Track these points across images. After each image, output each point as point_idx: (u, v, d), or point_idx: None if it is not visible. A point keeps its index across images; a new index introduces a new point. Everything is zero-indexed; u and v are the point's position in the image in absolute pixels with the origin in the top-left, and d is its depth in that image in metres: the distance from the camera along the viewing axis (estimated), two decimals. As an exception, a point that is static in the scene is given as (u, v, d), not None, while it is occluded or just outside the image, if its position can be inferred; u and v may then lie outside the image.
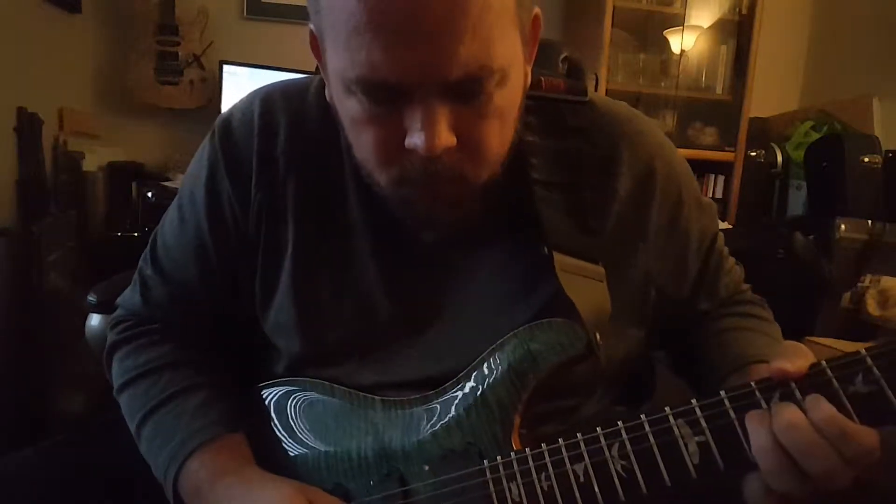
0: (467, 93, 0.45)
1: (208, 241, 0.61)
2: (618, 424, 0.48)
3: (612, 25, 2.25)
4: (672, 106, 2.42)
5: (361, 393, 0.58)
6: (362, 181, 0.53)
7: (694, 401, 0.46)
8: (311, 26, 0.50)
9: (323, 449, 0.57)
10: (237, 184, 0.59)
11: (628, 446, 0.47)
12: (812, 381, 0.43)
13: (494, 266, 0.58)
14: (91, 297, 0.90)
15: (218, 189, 0.60)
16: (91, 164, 2.05)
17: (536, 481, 0.49)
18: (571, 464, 0.48)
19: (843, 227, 1.81)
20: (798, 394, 0.43)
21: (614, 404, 0.65)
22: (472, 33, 0.42)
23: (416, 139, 0.45)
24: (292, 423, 0.59)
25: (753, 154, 2.41)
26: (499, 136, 0.49)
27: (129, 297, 0.66)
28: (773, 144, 2.42)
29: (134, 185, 2.07)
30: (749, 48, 2.35)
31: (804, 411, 0.42)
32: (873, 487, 0.46)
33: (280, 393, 0.61)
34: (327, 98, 0.53)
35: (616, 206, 0.59)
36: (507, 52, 0.46)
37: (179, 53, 2.18)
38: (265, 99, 0.60)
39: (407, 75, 0.43)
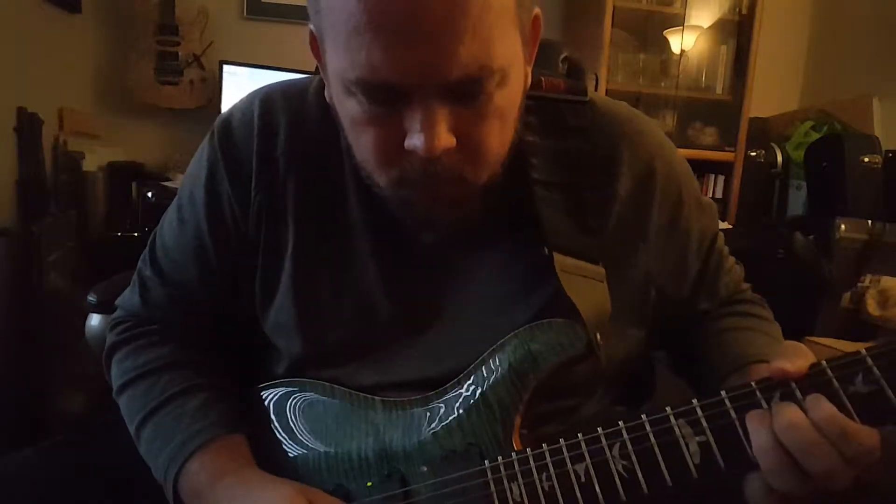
0: (467, 93, 0.45)
1: (208, 242, 0.60)
2: (619, 424, 0.48)
3: (612, 25, 2.25)
4: (672, 106, 2.42)
5: (361, 393, 0.58)
6: (362, 181, 0.53)
7: (695, 401, 0.46)
8: (311, 26, 0.50)
9: (323, 450, 0.56)
10: (237, 184, 0.59)
11: (629, 446, 0.47)
12: (812, 380, 0.43)
13: (494, 266, 0.58)
14: (91, 297, 0.90)
15: (217, 190, 0.60)
16: (91, 164, 2.06)
17: (537, 481, 0.49)
18: (572, 464, 0.48)
19: (843, 227, 1.81)
20: (798, 393, 0.43)
21: (615, 404, 0.65)
22: (471, 34, 0.42)
23: (415, 140, 0.45)
24: (292, 424, 0.59)
25: (753, 154, 2.41)
26: (499, 136, 0.49)
27: (129, 298, 0.66)
28: (773, 144, 2.42)
29: (134, 185, 2.07)
30: (749, 48, 2.35)
31: (805, 411, 0.42)
32: (874, 487, 0.46)
33: (280, 394, 0.61)
34: (327, 98, 0.53)
35: (616, 207, 0.59)
36: (507, 53, 0.46)
37: (179, 53, 2.18)
38: (265, 99, 0.60)
39: (407, 76, 0.43)
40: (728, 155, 2.40)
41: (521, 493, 0.49)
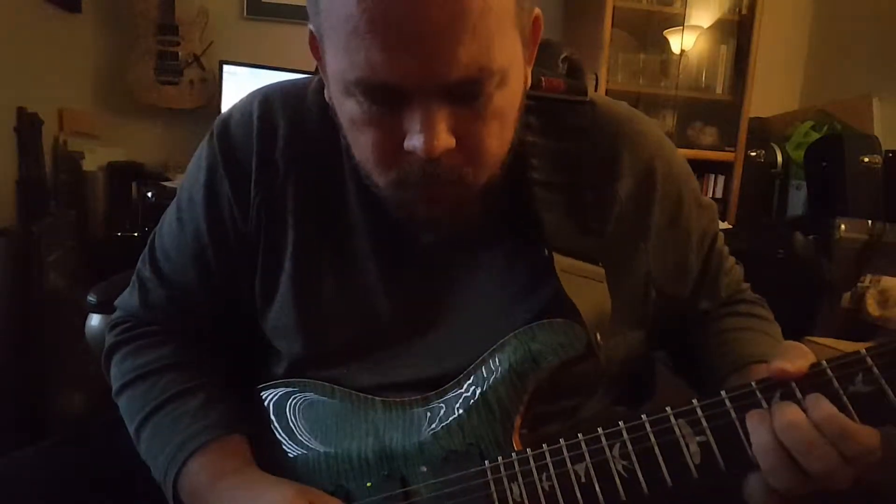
0: (467, 94, 0.45)
1: (207, 243, 0.60)
2: (619, 424, 0.48)
3: (612, 25, 2.25)
4: (672, 106, 2.41)
5: (361, 394, 0.58)
6: (362, 182, 0.53)
7: (695, 401, 0.46)
8: (311, 27, 0.50)
9: (323, 450, 0.56)
10: (236, 185, 0.59)
11: (629, 446, 0.47)
12: (812, 380, 0.43)
13: (495, 267, 0.58)
14: (91, 297, 0.90)
15: (217, 190, 0.59)
16: (91, 164, 2.06)
17: (538, 481, 0.49)
18: (572, 464, 0.48)
19: (843, 227, 1.81)
20: (798, 393, 0.43)
21: (615, 404, 0.65)
22: (471, 35, 0.42)
23: (415, 141, 0.45)
24: (292, 425, 0.59)
25: (753, 154, 2.41)
26: (498, 137, 0.49)
27: (128, 299, 0.66)
28: (773, 144, 2.42)
29: (134, 185, 2.07)
30: (749, 48, 2.35)
31: (804, 410, 0.42)
32: (874, 487, 0.46)
33: (280, 394, 0.61)
34: (326, 99, 0.53)
35: (616, 207, 0.59)
36: (506, 54, 0.46)
37: (179, 53, 2.18)
38: (264, 100, 0.60)
39: (406, 77, 0.43)
40: (728, 155, 2.40)
41: (521, 494, 0.49)
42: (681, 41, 2.38)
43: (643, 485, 0.46)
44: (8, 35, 1.75)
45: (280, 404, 0.60)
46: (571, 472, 0.48)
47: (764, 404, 0.44)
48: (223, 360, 0.65)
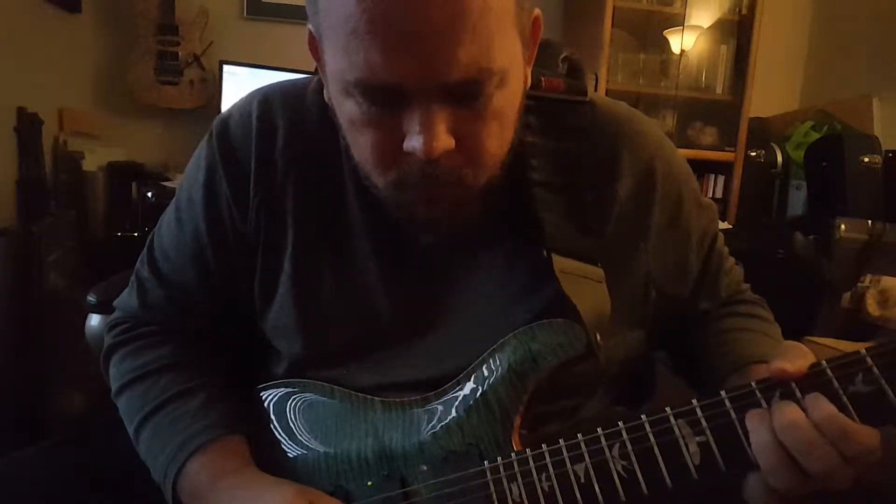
0: (466, 95, 0.45)
1: (206, 243, 0.60)
2: (618, 425, 0.48)
3: (612, 25, 2.25)
4: (672, 106, 2.41)
5: (361, 394, 0.58)
6: (361, 182, 0.53)
7: (694, 401, 0.46)
8: (310, 27, 0.50)
9: (323, 450, 0.56)
10: (235, 185, 0.59)
11: (629, 446, 0.47)
12: (812, 380, 0.43)
13: (494, 268, 0.58)
14: (91, 297, 0.90)
15: (216, 191, 0.59)
16: (91, 164, 2.05)
17: (537, 482, 0.49)
18: (572, 464, 0.48)
19: (843, 227, 1.81)
20: (798, 393, 0.43)
21: (615, 404, 0.65)
22: (471, 35, 0.42)
23: (414, 142, 0.45)
24: (292, 425, 0.59)
25: (753, 154, 2.41)
26: (498, 138, 0.49)
27: (127, 299, 0.66)
28: (773, 144, 2.42)
29: (134, 185, 2.07)
30: (749, 48, 2.35)
31: (804, 410, 0.42)
32: (874, 487, 0.46)
33: (280, 394, 0.61)
34: (326, 99, 0.53)
35: (616, 207, 0.59)
36: (506, 54, 0.46)
37: (179, 53, 2.18)
38: (263, 100, 0.60)
39: (405, 78, 0.43)
40: (728, 155, 2.40)
41: (520, 494, 0.49)
42: (681, 41, 2.38)
43: (643, 485, 0.46)
44: (8, 35, 1.75)
45: (280, 404, 0.60)
46: (571, 472, 0.48)
47: (763, 404, 0.44)
48: (222, 360, 0.65)
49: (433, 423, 0.54)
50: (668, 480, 0.45)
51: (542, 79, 0.58)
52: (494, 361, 0.54)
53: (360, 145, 0.49)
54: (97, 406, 1.58)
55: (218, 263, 0.61)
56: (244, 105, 0.60)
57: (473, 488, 0.51)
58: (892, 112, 2.21)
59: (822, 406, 0.41)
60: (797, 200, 2.34)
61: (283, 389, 0.61)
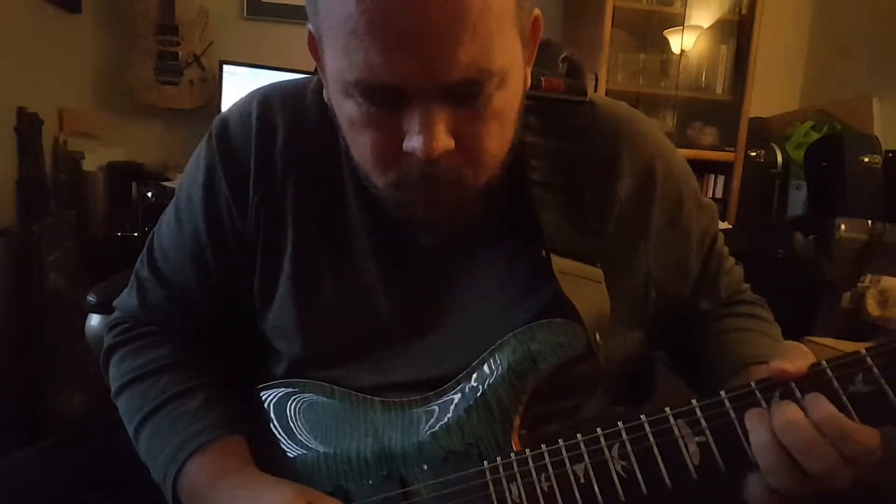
0: (466, 95, 0.45)
1: (205, 243, 0.60)
2: (618, 425, 0.48)
3: (612, 25, 2.25)
4: (672, 106, 2.41)
5: (361, 394, 0.58)
6: (361, 182, 0.53)
7: (694, 401, 0.46)
8: (310, 27, 0.50)
9: (322, 450, 0.56)
10: (235, 186, 0.59)
11: (628, 447, 0.47)
12: (812, 380, 0.43)
13: (494, 268, 0.58)
14: (91, 297, 0.90)
15: (215, 191, 0.59)
16: (91, 164, 2.06)
17: (536, 482, 0.49)
18: (571, 464, 0.48)
19: (843, 227, 1.81)
20: (798, 393, 0.43)
21: (615, 404, 0.65)
22: (471, 36, 0.42)
23: (414, 142, 0.45)
24: (292, 425, 0.59)
25: (753, 154, 2.41)
26: (498, 138, 0.49)
27: (126, 299, 0.66)
28: (773, 144, 2.42)
29: (134, 185, 2.07)
30: (749, 48, 2.35)
31: (804, 410, 0.42)
32: (874, 487, 0.46)
33: (280, 394, 0.61)
34: (325, 99, 0.53)
35: (616, 207, 0.59)
36: (506, 55, 0.46)
37: (179, 53, 2.18)
38: (263, 100, 0.60)
39: (405, 78, 0.43)
40: (728, 155, 2.40)
41: (520, 494, 0.49)
42: (681, 41, 2.38)
43: (642, 485, 0.46)
44: (8, 35, 1.75)
45: (280, 405, 0.60)
46: (570, 472, 0.48)
47: (763, 404, 0.44)
48: (222, 360, 0.65)
49: (433, 423, 0.54)
50: (667, 481, 0.45)
51: (542, 79, 0.58)
52: (494, 361, 0.54)
53: (360, 145, 0.49)
54: (97, 406, 1.58)
55: (217, 263, 0.61)
56: (244, 105, 0.60)
57: (473, 488, 0.51)
58: (892, 112, 2.21)
59: (821, 406, 0.41)
60: (797, 200, 2.34)
61: (283, 389, 0.61)
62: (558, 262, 0.54)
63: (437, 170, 0.46)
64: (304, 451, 0.57)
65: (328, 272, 0.59)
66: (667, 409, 0.46)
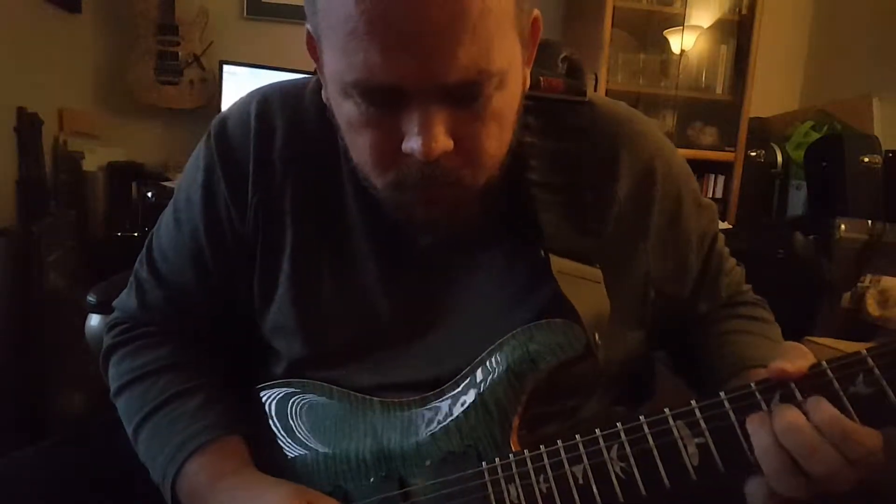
0: (466, 96, 0.45)
1: (204, 244, 0.60)
2: (616, 426, 0.48)
3: (612, 25, 2.25)
4: (672, 106, 2.41)
5: (360, 394, 0.58)
6: (360, 183, 0.53)
7: (693, 402, 0.46)
8: (308, 27, 0.50)
9: (322, 450, 0.56)
10: (234, 186, 0.59)
11: (627, 448, 0.47)
12: (812, 381, 0.42)
13: (493, 268, 0.58)
14: (91, 298, 0.90)
15: (214, 191, 0.59)
16: (91, 164, 2.06)
17: (535, 483, 0.49)
18: (570, 465, 0.48)
19: (843, 227, 1.81)
20: (799, 395, 0.42)
21: (614, 404, 0.65)
22: (470, 37, 0.42)
23: (412, 143, 0.45)
24: (291, 425, 0.59)
25: (753, 154, 2.41)
26: (497, 139, 0.49)
27: (126, 300, 0.66)
28: (773, 144, 2.42)
29: (134, 185, 2.07)
30: (749, 48, 2.35)
31: (805, 413, 0.42)
32: (874, 487, 0.46)
33: (279, 394, 0.61)
34: (324, 100, 0.52)
35: (615, 208, 0.58)
36: (505, 56, 0.46)
37: (179, 53, 2.18)
38: (262, 100, 0.60)
39: (404, 79, 0.43)
40: (728, 155, 2.40)
41: (518, 495, 0.49)
42: (681, 41, 2.38)
43: (641, 487, 0.46)
44: (8, 35, 1.75)
45: (279, 405, 0.60)
46: (569, 473, 0.48)
47: (763, 405, 0.43)
48: (221, 360, 0.65)
49: (432, 423, 0.54)
50: (666, 482, 0.45)
51: (542, 79, 0.58)
52: (493, 362, 0.54)
53: (359, 146, 0.49)
54: (97, 406, 1.58)
55: (216, 264, 0.61)
56: (242, 105, 0.60)
57: (471, 489, 0.50)
58: (892, 112, 2.21)
59: (822, 408, 0.41)
60: (797, 200, 2.33)
61: (283, 390, 0.61)
62: (557, 263, 0.54)
63: (436, 171, 0.46)
64: (304, 452, 0.57)
65: (327, 272, 0.59)
66: (666, 410, 0.46)
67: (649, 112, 2.36)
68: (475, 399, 0.53)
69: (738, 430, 0.44)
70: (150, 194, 1.98)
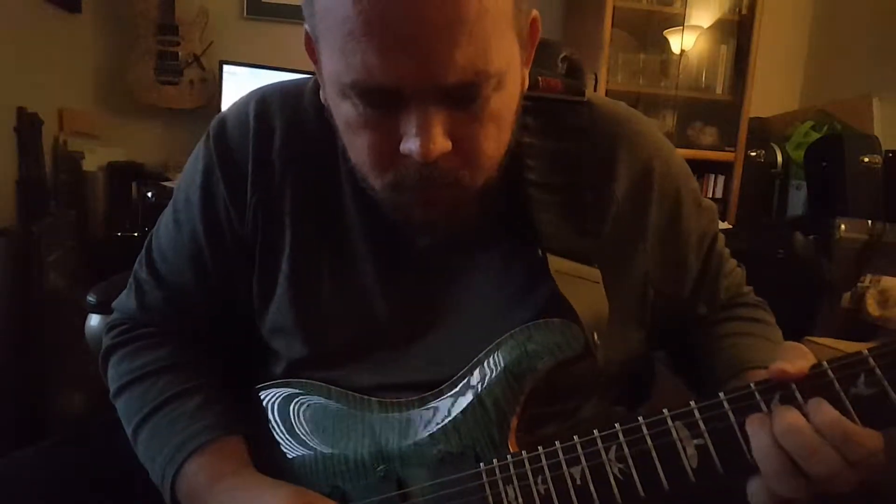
0: (464, 97, 0.45)
1: (204, 244, 0.60)
2: (615, 427, 0.47)
3: (612, 25, 2.25)
4: (672, 106, 2.41)
5: (358, 394, 0.58)
6: (358, 184, 0.53)
7: (692, 403, 0.46)
8: (307, 28, 0.50)
9: (320, 451, 0.56)
10: (233, 186, 0.59)
11: (625, 449, 0.46)
12: (813, 382, 0.42)
13: (492, 269, 0.58)
14: (91, 298, 0.90)
15: (213, 192, 0.59)
16: (91, 164, 2.06)
17: (533, 484, 0.48)
18: (568, 467, 0.48)
19: (843, 227, 1.81)
20: (799, 396, 0.42)
21: (614, 405, 0.65)
22: (468, 38, 0.42)
23: (410, 144, 0.45)
24: (292, 426, 0.59)
25: (753, 154, 2.40)
26: (495, 140, 0.49)
27: (125, 300, 0.66)
28: (773, 144, 2.42)
29: (134, 185, 2.07)
30: (749, 48, 2.35)
31: (805, 415, 0.41)
32: (874, 487, 0.46)
33: (277, 394, 0.61)
34: (322, 100, 0.52)
35: (614, 208, 0.58)
36: (504, 57, 0.46)
37: (179, 53, 2.18)
38: (261, 100, 0.60)
39: (402, 80, 0.43)
40: (728, 155, 2.40)
41: (516, 496, 0.49)
42: (681, 41, 2.38)
43: (639, 488, 0.46)
44: (8, 35, 1.75)
45: (278, 405, 0.60)
46: (567, 474, 0.48)
47: (763, 406, 0.43)
48: (220, 360, 0.65)
49: (430, 424, 0.54)
50: (664, 483, 0.45)
51: (540, 79, 0.58)
52: (491, 362, 0.53)
53: (357, 147, 0.49)
54: (97, 406, 1.58)
55: (215, 265, 0.61)
56: (241, 106, 0.60)
57: (469, 490, 0.50)
58: (892, 112, 2.20)
59: (823, 410, 0.41)
60: (797, 200, 2.33)
61: (281, 390, 0.61)
62: (555, 263, 0.54)
63: (434, 172, 0.46)
64: (302, 452, 0.57)
65: (327, 273, 0.58)
66: (665, 411, 0.46)
67: (649, 112, 2.36)
68: (473, 399, 0.53)
69: (738, 432, 0.43)
70: (150, 194, 1.98)
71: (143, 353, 0.62)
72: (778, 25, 2.55)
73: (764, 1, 2.33)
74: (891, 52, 2.27)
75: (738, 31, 2.41)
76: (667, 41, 2.42)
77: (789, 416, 0.41)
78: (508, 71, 0.47)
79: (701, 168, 2.34)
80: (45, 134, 1.84)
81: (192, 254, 0.61)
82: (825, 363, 0.42)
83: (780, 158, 2.39)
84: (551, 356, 0.52)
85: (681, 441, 0.45)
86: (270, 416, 0.60)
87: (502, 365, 0.53)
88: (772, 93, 2.58)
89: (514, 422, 0.52)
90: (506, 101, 0.48)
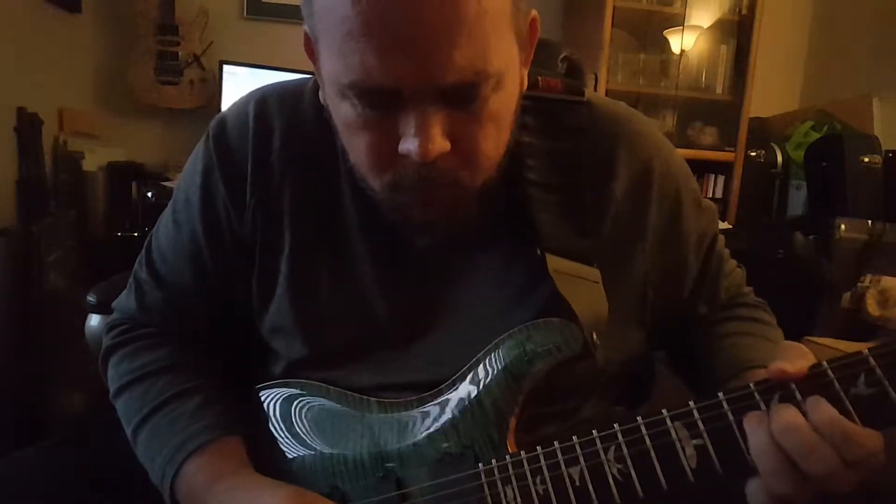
0: (462, 98, 0.45)
1: (203, 245, 0.60)
2: (614, 427, 0.47)
3: (612, 25, 2.25)
4: (672, 106, 2.41)
5: (357, 395, 0.58)
6: (357, 184, 0.53)
7: (691, 403, 0.46)
8: (306, 28, 0.50)
9: (319, 451, 0.56)
10: (232, 187, 0.59)
11: (624, 449, 0.46)
12: (813, 382, 0.42)
13: (491, 269, 0.58)
14: (91, 298, 0.90)
15: (213, 192, 0.59)
16: (91, 164, 2.06)
17: (531, 484, 0.48)
18: (567, 467, 0.48)
19: (843, 227, 1.81)
20: (798, 395, 0.42)
21: (614, 405, 0.65)
22: (467, 38, 0.42)
23: (409, 145, 0.45)
24: (290, 426, 0.59)
25: (753, 154, 2.40)
26: (494, 140, 0.49)
27: (125, 301, 0.66)
28: (773, 144, 2.42)
29: (134, 185, 2.07)
30: (749, 48, 2.35)
31: (804, 413, 0.41)
32: (874, 487, 0.46)
33: (277, 395, 0.60)
34: (321, 101, 0.52)
35: (613, 208, 0.58)
36: (502, 57, 0.46)
37: (179, 53, 2.18)
38: (261, 101, 0.60)
39: (401, 80, 0.43)
40: (728, 155, 2.40)
41: (515, 497, 0.49)
42: (681, 41, 2.38)
43: (638, 488, 0.46)
44: (8, 35, 1.75)
45: (277, 406, 0.60)
46: (566, 474, 0.48)
47: (762, 406, 0.43)
48: (220, 361, 0.65)
49: (429, 424, 0.54)
50: (663, 484, 0.45)
51: (540, 79, 0.58)
52: (490, 362, 0.53)
53: (356, 148, 0.49)
54: (97, 406, 1.58)
55: (215, 265, 0.61)
56: (241, 106, 0.60)
57: (468, 491, 0.50)
58: (892, 112, 2.20)
59: (822, 409, 0.41)
60: (797, 200, 2.33)
61: (280, 390, 0.61)
62: (554, 262, 0.54)
63: (433, 172, 0.46)
64: (301, 453, 0.57)
65: (326, 273, 0.58)
66: (664, 412, 0.46)
67: (649, 112, 2.36)
68: (472, 399, 0.53)
69: (737, 432, 0.43)
70: (150, 194, 1.98)
71: (143, 354, 0.62)
72: (778, 25, 2.55)
73: (764, 1, 2.33)
74: (891, 52, 2.27)
75: (738, 31, 2.41)
76: (667, 41, 2.42)
77: (787, 415, 0.41)
78: (507, 71, 0.47)
79: (701, 168, 2.33)
80: (45, 134, 1.84)
81: (192, 254, 0.61)
82: (825, 363, 0.42)
83: (780, 158, 2.39)
84: (551, 356, 0.52)
85: (680, 441, 0.45)
86: (271, 416, 0.60)
87: (502, 365, 0.53)
88: (772, 93, 2.58)
89: (513, 422, 0.52)
90: (505, 102, 0.48)
